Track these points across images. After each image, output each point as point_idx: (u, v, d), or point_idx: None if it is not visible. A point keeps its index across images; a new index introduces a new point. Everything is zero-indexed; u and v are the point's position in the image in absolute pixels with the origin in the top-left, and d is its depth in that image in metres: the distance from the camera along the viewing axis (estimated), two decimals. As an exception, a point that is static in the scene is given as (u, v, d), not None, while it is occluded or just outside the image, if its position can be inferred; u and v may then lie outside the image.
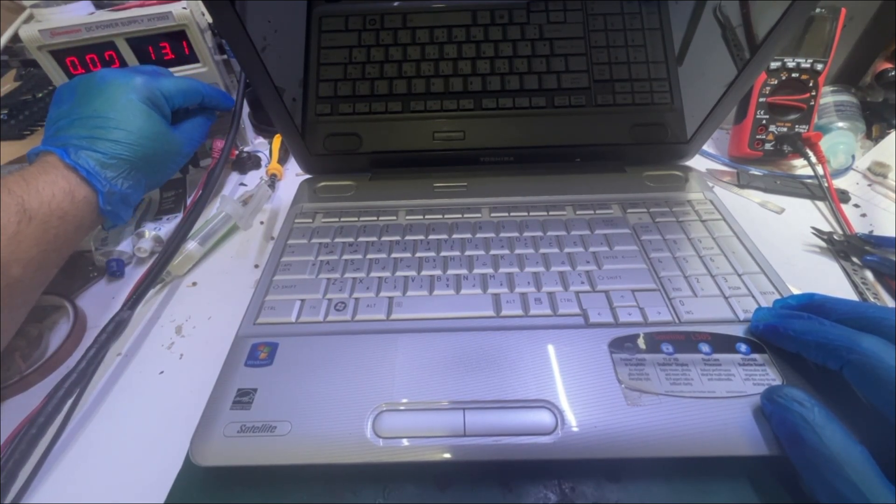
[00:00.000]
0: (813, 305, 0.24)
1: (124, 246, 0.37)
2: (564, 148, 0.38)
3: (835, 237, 0.36)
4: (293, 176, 0.47)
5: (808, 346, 0.22)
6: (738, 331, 0.26)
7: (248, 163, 0.48)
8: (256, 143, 0.53)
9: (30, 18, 0.41)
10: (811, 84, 0.42)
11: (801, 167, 0.45)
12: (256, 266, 0.37)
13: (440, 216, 0.36)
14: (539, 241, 0.33)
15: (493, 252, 0.32)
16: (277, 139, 0.47)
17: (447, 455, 0.22)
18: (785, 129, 0.43)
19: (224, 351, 0.27)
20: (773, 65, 0.42)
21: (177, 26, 0.41)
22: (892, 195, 0.41)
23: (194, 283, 0.36)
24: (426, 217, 0.36)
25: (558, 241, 0.33)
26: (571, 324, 0.27)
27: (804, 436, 0.19)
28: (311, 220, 0.36)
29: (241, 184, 0.47)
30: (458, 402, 0.23)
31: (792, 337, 0.23)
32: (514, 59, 0.34)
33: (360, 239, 0.34)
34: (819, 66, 0.42)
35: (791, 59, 0.42)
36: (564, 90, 0.36)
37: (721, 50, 0.32)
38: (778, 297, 0.28)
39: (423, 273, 0.31)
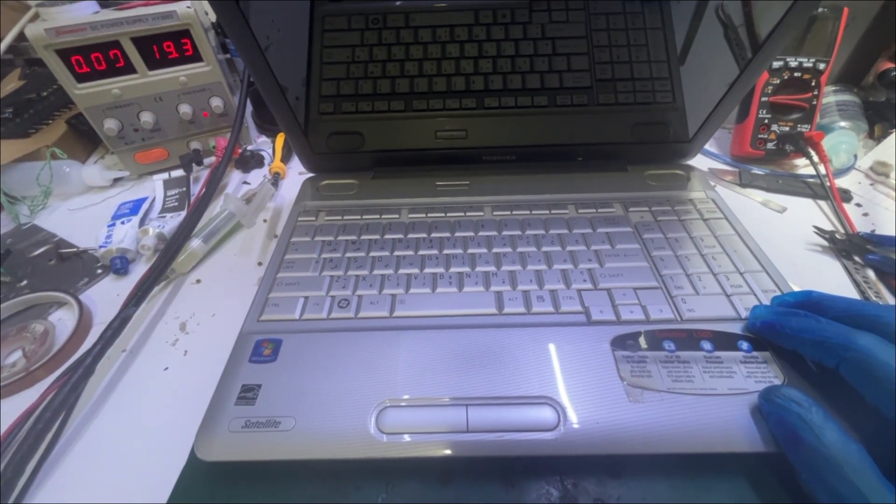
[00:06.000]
0: (810, 302, 0.24)
1: (128, 243, 0.38)
2: (566, 147, 0.39)
3: (837, 236, 0.36)
4: (296, 174, 0.47)
5: (805, 344, 0.22)
6: (740, 328, 0.26)
7: (251, 161, 0.49)
8: (259, 142, 0.53)
9: (35, 17, 0.41)
10: (813, 83, 0.42)
11: (803, 166, 0.45)
12: (260, 264, 0.37)
13: (442, 214, 0.36)
14: (541, 239, 0.33)
15: (495, 250, 0.32)
16: (280, 138, 0.47)
17: (450, 451, 0.22)
18: (787, 129, 0.43)
19: (228, 347, 0.27)
20: (776, 64, 0.42)
21: (181, 25, 0.41)
22: (894, 194, 0.41)
23: (198, 281, 0.36)
24: (428, 215, 0.36)
25: (560, 240, 0.33)
26: (573, 321, 0.27)
27: (802, 436, 0.19)
28: (314, 219, 0.36)
29: (245, 182, 0.47)
30: (461, 399, 0.24)
31: (789, 335, 0.23)
32: (517, 58, 0.35)
33: (363, 237, 0.34)
34: (821, 66, 0.42)
35: (793, 59, 0.42)
36: (566, 89, 0.36)
37: (723, 49, 0.33)
38: (778, 294, 0.28)
39: (426, 271, 0.31)
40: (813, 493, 0.19)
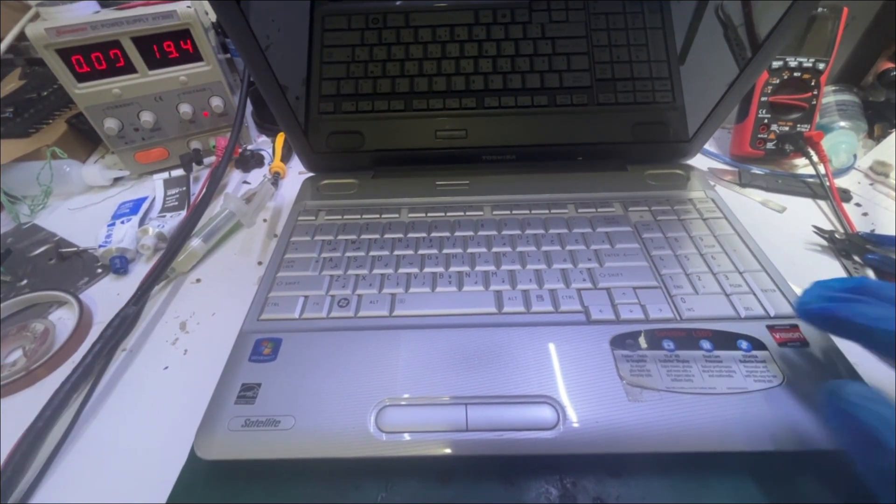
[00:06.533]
0: (868, 291, 0.21)
1: (128, 243, 0.38)
2: (566, 146, 0.39)
3: (836, 236, 0.36)
4: (296, 174, 0.47)
5: (877, 336, 0.19)
6: (739, 328, 0.26)
7: (251, 161, 0.49)
8: (259, 142, 0.53)
9: (36, 17, 0.41)
10: (813, 83, 0.42)
11: (802, 166, 0.45)
12: (260, 263, 0.37)
13: (442, 214, 0.36)
14: (541, 238, 0.33)
15: (495, 250, 0.32)
16: (280, 137, 0.47)
17: (449, 450, 0.22)
18: (787, 129, 0.43)
19: (228, 347, 0.27)
20: (775, 64, 0.42)
21: (181, 25, 0.41)
22: (894, 194, 0.41)
23: (198, 280, 0.36)
24: (428, 215, 0.36)
25: (560, 239, 0.33)
26: (573, 321, 0.27)
27: (882, 438, 0.17)
28: (314, 218, 0.36)
29: (245, 182, 0.47)
30: (461, 398, 0.24)
31: (859, 324, 0.20)
32: (517, 57, 0.35)
33: (363, 236, 0.34)
34: (821, 66, 0.42)
35: (793, 59, 0.42)
36: (566, 89, 0.36)
37: (723, 49, 0.33)
38: (780, 294, 0.28)
39: (426, 270, 0.31)
40: (875, 494, 0.18)
